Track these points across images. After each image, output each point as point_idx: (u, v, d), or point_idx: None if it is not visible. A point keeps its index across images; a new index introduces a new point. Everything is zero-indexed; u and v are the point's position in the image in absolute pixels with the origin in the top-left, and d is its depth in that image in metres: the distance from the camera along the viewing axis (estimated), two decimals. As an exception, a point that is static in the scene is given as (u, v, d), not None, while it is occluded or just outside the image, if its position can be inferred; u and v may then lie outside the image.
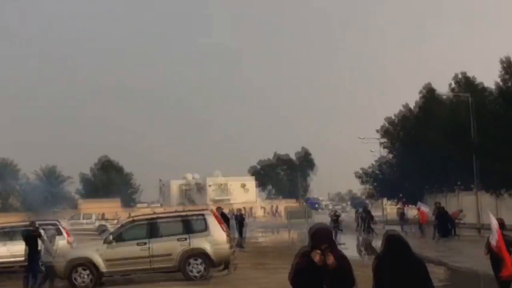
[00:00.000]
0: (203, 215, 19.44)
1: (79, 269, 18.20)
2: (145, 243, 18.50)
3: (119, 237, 18.88)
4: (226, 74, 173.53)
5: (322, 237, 6.44)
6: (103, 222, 55.04)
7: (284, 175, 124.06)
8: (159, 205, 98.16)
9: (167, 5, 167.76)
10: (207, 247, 18.60)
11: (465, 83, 52.13)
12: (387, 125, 61.20)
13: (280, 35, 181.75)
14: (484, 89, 48.70)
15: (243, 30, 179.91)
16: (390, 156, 62.97)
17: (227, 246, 19.03)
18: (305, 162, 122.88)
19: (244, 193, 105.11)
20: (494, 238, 12.04)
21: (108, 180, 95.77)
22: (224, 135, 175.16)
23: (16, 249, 22.52)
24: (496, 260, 11.97)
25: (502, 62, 40.75)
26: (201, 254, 18.59)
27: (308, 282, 6.32)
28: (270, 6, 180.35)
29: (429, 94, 54.71)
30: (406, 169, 56.01)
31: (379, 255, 6.78)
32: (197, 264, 18.53)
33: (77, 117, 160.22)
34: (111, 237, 18.80)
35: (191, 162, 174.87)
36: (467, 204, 48.53)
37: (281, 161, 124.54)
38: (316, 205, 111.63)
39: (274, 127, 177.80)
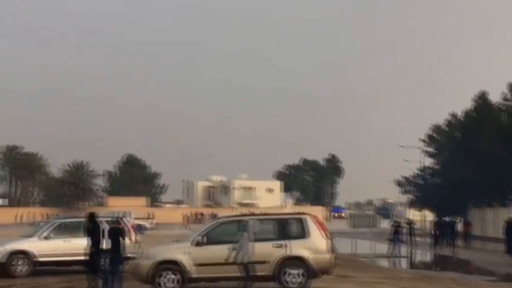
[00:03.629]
0: (301, 218, 17.41)
1: (166, 273, 16.18)
2: (238, 247, 16.46)
3: (208, 238, 16.83)
4: (254, 76, 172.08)
5: None
6: (140, 221, 53.21)
7: (311, 180, 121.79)
8: (187, 206, 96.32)
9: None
10: (307, 255, 16.59)
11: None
12: (433, 133, 58.98)
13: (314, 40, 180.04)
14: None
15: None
16: (436, 165, 60.51)
17: (328, 254, 16.97)
18: (332, 169, 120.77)
19: (270, 197, 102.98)
20: None
21: (134, 177, 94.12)
22: (251, 138, 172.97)
23: (76, 245, 20.72)
24: None
25: None
26: (300, 262, 16.58)
27: None
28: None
29: (482, 102, 52.29)
30: (453, 179, 53.51)
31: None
32: (295, 274, 16.51)
33: (104, 114, 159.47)
34: (200, 238, 16.72)
35: (216, 164, 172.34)
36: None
37: (309, 166, 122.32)
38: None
39: (302, 132, 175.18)
